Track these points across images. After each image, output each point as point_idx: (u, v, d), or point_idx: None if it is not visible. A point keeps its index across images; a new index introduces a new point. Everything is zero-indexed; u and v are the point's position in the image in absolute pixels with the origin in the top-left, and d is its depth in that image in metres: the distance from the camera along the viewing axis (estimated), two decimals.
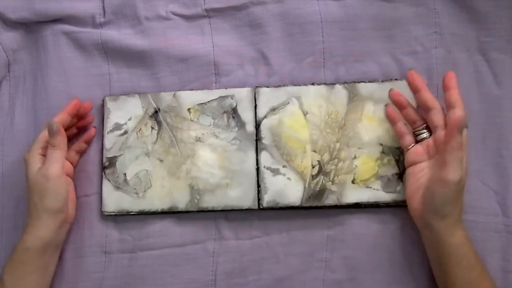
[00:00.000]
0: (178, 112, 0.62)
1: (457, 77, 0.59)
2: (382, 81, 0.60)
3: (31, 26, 0.67)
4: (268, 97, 0.61)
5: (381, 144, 0.59)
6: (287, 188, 0.59)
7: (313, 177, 0.59)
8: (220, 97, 0.62)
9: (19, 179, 0.64)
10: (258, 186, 0.59)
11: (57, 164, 0.56)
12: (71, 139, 0.63)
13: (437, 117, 0.53)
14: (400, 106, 0.57)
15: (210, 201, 0.60)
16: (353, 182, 0.58)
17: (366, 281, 0.58)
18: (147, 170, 0.61)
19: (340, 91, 0.60)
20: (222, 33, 0.64)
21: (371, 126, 0.59)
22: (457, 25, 0.60)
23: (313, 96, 0.60)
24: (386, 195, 0.58)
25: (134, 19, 0.65)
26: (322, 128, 0.60)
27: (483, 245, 0.57)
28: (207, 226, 0.61)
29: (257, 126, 0.60)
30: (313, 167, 0.59)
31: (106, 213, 0.61)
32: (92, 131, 0.63)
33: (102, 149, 0.63)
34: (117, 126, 0.63)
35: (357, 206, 0.58)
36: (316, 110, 0.60)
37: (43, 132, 0.59)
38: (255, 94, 0.61)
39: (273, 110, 0.60)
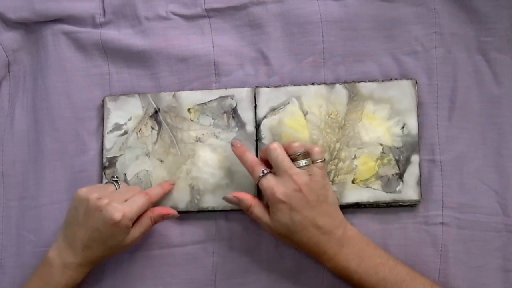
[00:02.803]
0: (178, 112, 0.62)
1: (457, 77, 0.59)
2: (382, 81, 0.60)
3: (31, 26, 0.67)
4: (268, 97, 0.61)
5: (381, 144, 0.59)
6: None
7: None
8: (220, 97, 0.62)
9: (19, 179, 0.64)
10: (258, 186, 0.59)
11: (141, 235, 0.56)
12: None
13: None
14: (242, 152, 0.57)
15: (210, 201, 0.60)
16: (353, 182, 0.58)
17: None
18: (147, 170, 0.61)
19: (340, 91, 0.60)
20: (222, 33, 0.64)
21: (371, 126, 0.59)
22: (457, 25, 0.60)
23: (313, 96, 0.60)
24: (386, 195, 0.58)
25: (134, 19, 0.65)
26: (322, 128, 0.60)
27: (483, 244, 0.57)
28: (207, 226, 0.61)
29: (257, 126, 0.60)
30: None
31: None
32: (172, 214, 0.59)
33: (102, 149, 0.63)
34: (117, 126, 0.63)
35: (357, 206, 0.58)
36: (316, 110, 0.60)
37: (145, 199, 0.56)
38: (255, 94, 0.61)
39: (273, 110, 0.60)
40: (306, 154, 0.54)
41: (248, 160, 0.56)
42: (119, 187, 0.58)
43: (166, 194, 0.60)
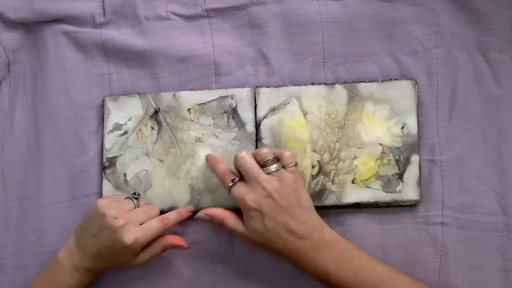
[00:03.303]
0: (178, 112, 0.62)
1: (457, 77, 0.59)
2: (382, 81, 0.60)
3: (31, 26, 0.66)
4: (268, 97, 0.61)
5: (381, 144, 0.59)
6: None
7: (313, 177, 0.59)
8: (220, 97, 0.62)
9: (19, 179, 0.64)
10: None
11: (149, 260, 0.56)
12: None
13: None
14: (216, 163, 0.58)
15: (210, 201, 0.60)
16: (353, 182, 0.58)
17: None
18: (147, 170, 0.61)
19: (340, 91, 0.60)
20: (222, 33, 0.64)
21: (371, 126, 0.59)
22: (457, 25, 0.60)
23: (313, 96, 0.60)
24: (386, 195, 0.58)
25: (134, 19, 0.65)
26: (322, 128, 0.60)
27: (483, 244, 0.57)
28: (207, 226, 0.61)
29: (257, 126, 0.60)
30: (313, 167, 0.59)
31: None
32: (184, 246, 0.59)
33: (102, 149, 0.63)
34: (117, 126, 0.63)
35: (357, 206, 0.58)
36: (316, 110, 0.60)
37: (159, 226, 0.56)
38: (255, 94, 0.61)
39: (273, 110, 0.60)
40: (275, 160, 0.54)
41: (219, 171, 0.57)
42: (138, 205, 0.57)
43: (182, 220, 0.59)
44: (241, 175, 0.56)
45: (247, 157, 0.55)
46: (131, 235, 0.53)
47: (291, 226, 0.52)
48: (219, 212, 0.56)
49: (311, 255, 0.53)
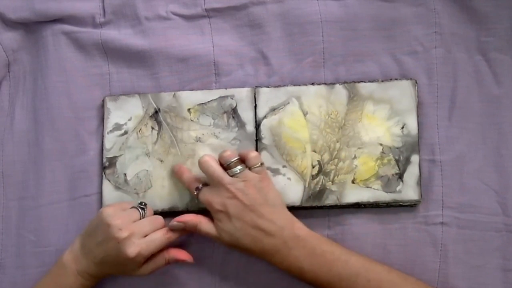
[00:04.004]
0: (178, 112, 0.62)
1: (457, 77, 0.59)
2: (382, 81, 0.60)
3: (31, 26, 0.67)
4: (268, 97, 0.61)
5: (381, 144, 0.59)
6: (287, 188, 0.59)
7: (313, 177, 0.59)
8: (220, 97, 0.62)
9: (19, 179, 0.64)
10: None
11: (152, 271, 0.56)
12: None
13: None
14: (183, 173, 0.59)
15: None
16: (353, 182, 0.58)
17: None
18: (147, 170, 0.61)
19: (340, 91, 0.60)
20: (222, 33, 0.64)
21: (371, 126, 0.59)
22: (457, 25, 0.60)
23: (313, 96, 0.60)
24: (386, 195, 0.58)
25: (134, 19, 0.65)
26: (322, 128, 0.60)
27: (483, 244, 0.57)
28: None
29: (257, 126, 0.60)
30: (313, 167, 0.59)
31: None
32: (188, 260, 0.58)
33: (102, 149, 0.63)
34: (117, 126, 0.63)
35: (357, 206, 0.58)
36: (316, 110, 0.60)
37: (164, 239, 0.56)
38: (255, 94, 0.61)
39: (273, 110, 0.60)
40: (239, 162, 0.56)
41: (185, 180, 0.58)
42: (143, 215, 0.57)
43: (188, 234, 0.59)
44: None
45: (210, 161, 0.56)
46: (135, 247, 0.53)
47: (259, 224, 0.53)
48: (191, 218, 0.56)
49: (282, 252, 0.53)
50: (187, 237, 0.60)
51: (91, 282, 0.57)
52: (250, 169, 0.56)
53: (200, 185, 0.57)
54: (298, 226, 0.55)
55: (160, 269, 0.57)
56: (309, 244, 0.53)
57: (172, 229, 0.56)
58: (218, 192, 0.55)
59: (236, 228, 0.53)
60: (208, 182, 0.57)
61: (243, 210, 0.53)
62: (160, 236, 0.55)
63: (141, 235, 0.54)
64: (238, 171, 0.55)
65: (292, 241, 0.53)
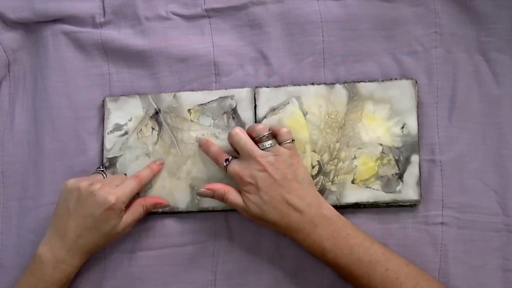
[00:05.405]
0: (178, 112, 0.62)
1: (457, 77, 0.59)
2: (382, 81, 0.60)
3: (31, 26, 0.67)
4: (268, 97, 0.61)
5: (381, 144, 0.59)
6: None
7: (313, 177, 0.59)
8: (220, 97, 0.62)
9: (19, 179, 0.64)
10: None
11: (133, 222, 0.58)
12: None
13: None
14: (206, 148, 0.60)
15: (210, 201, 0.60)
16: (353, 182, 0.58)
17: None
18: None
19: (340, 91, 0.60)
20: (222, 33, 0.64)
21: (371, 126, 0.59)
22: (457, 25, 0.60)
23: (313, 96, 0.60)
24: (386, 195, 0.58)
25: (134, 19, 0.65)
26: (322, 128, 0.60)
27: (483, 244, 0.57)
28: (207, 226, 0.61)
29: None
30: (312, 167, 0.59)
31: None
32: (164, 204, 0.60)
33: (102, 150, 0.63)
34: (118, 127, 0.63)
35: (357, 206, 0.58)
36: (316, 110, 0.60)
37: (135, 182, 0.58)
38: (255, 94, 0.61)
39: (273, 110, 0.60)
40: (271, 136, 0.55)
41: (212, 153, 0.58)
42: (106, 177, 0.59)
43: (155, 175, 0.61)
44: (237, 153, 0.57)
45: (241, 134, 0.56)
46: (112, 194, 0.55)
47: (288, 199, 0.53)
48: (220, 187, 0.56)
49: (307, 229, 0.53)
50: (186, 237, 0.60)
51: (72, 268, 0.56)
52: (280, 144, 0.55)
53: (230, 157, 0.56)
54: (325, 206, 0.55)
55: (139, 219, 0.58)
56: (334, 225, 0.53)
57: (200, 195, 0.57)
58: (248, 164, 0.54)
59: (264, 201, 0.53)
60: (238, 154, 0.57)
61: (273, 184, 0.53)
62: (131, 181, 0.57)
63: (113, 186, 0.56)
64: (269, 146, 0.55)
65: (318, 220, 0.53)
